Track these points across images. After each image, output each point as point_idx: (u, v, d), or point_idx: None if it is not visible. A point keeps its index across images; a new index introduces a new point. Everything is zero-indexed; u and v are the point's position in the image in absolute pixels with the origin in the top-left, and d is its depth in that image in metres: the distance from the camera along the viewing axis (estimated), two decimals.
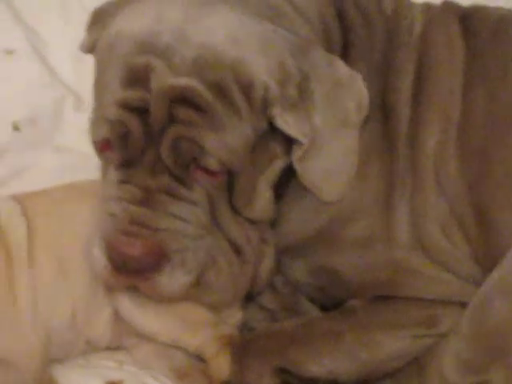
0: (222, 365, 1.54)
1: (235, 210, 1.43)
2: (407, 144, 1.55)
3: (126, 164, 1.39)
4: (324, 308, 1.65)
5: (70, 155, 2.01)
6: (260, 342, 1.55)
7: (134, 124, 1.35)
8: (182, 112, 1.34)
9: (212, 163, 1.36)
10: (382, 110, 1.56)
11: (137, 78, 1.35)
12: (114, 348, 1.69)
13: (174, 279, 1.40)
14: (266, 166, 1.44)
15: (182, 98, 1.33)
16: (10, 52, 2.09)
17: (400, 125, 1.55)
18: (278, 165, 1.46)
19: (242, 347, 1.54)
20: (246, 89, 1.36)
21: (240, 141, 1.37)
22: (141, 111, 1.35)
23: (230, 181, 1.39)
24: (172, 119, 1.34)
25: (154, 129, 1.36)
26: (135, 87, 1.35)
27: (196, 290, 1.45)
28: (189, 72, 1.34)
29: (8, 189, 1.85)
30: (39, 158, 1.99)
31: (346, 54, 1.55)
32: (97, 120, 1.42)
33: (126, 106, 1.35)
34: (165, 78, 1.33)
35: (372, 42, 1.60)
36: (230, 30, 1.37)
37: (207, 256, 1.42)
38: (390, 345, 1.54)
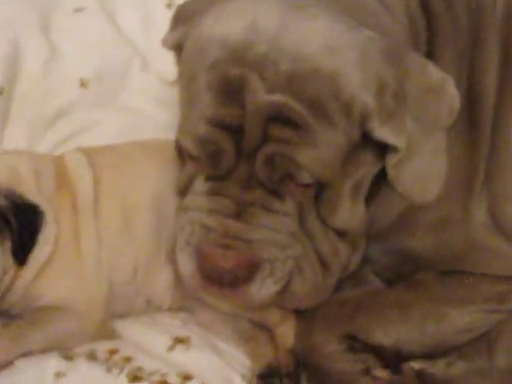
0: (287, 332, 1.55)
1: (323, 221, 1.41)
2: (491, 128, 1.54)
3: (217, 177, 1.38)
4: (388, 282, 1.63)
5: (134, 115, 2.00)
6: (327, 309, 1.54)
7: (227, 143, 1.34)
8: (278, 130, 1.32)
9: (306, 177, 1.35)
10: (468, 94, 1.54)
11: (230, 92, 1.32)
12: (176, 309, 1.69)
13: (263, 289, 1.40)
14: (354, 174, 1.41)
15: (278, 115, 1.31)
16: (79, 10, 2.10)
17: (485, 109, 1.54)
18: (369, 173, 1.44)
19: (308, 314, 1.54)
20: (345, 105, 1.32)
21: (334, 154, 1.35)
22: (234, 129, 1.33)
23: (318, 191, 1.38)
24: (266, 136, 1.32)
25: (248, 147, 1.34)
26: (229, 104, 1.32)
27: (280, 297, 1.44)
28: (284, 87, 1.30)
29: (74, 145, 1.84)
30: (105, 116, 1.98)
31: (431, 42, 1.54)
32: (185, 132, 1.40)
33: (218, 124, 1.33)
34: (259, 94, 1.30)
35: (456, 27, 1.57)
36: (327, 39, 1.33)
37: (295, 265, 1.41)
38: (459, 318, 1.52)
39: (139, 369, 1.51)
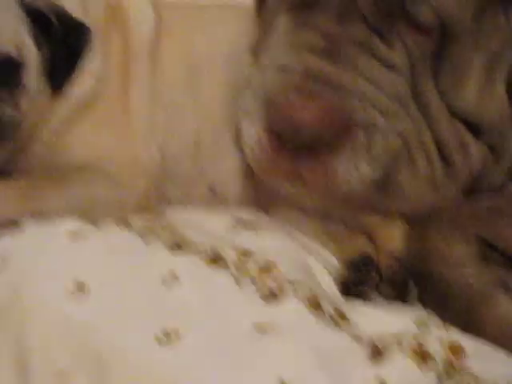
0: (391, 234, 1.26)
1: (444, 97, 1.14)
2: None
3: (304, 4, 1.14)
4: None
5: None
6: (453, 209, 1.23)
7: None
8: None
9: (426, 12, 1.09)
10: None
11: None
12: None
13: (354, 167, 1.11)
14: (489, 40, 1.15)
15: None
16: None
17: None
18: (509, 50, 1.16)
19: (426, 215, 1.23)
20: None
21: None
22: None
23: (439, 46, 1.12)
24: None
25: None
26: None
27: (381, 194, 1.16)
28: None
29: None
30: None
31: None
32: None
33: None
34: None
35: None
36: None
37: (402, 146, 1.13)
38: None
39: (184, 239, 1.19)
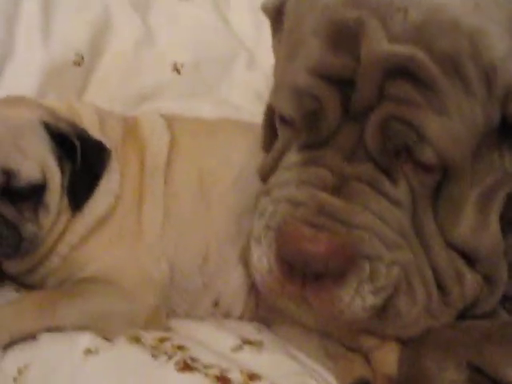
0: (386, 357, 1.27)
1: (441, 231, 1.18)
2: None
3: (314, 144, 1.18)
4: None
5: (232, 110, 1.82)
6: (446, 334, 1.25)
7: (331, 99, 1.14)
8: (398, 87, 1.11)
9: (429, 154, 1.12)
10: None
11: (342, 37, 1.13)
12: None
13: (359, 297, 1.14)
14: (485, 177, 1.19)
15: (400, 70, 1.10)
16: None
17: None
18: (502, 184, 1.20)
19: (419, 337, 1.25)
20: (486, 71, 1.11)
21: (468, 131, 1.12)
22: (342, 82, 1.13)
23: (439, 183, 1.16)
24: (383, 95, 1.11)
25: (358, 106, 1.13)
26: (339, 51, 1.13)
27: (379, 318, 1.19)
28: (412, 38, 1.10)
29: None
30: (197, 106, 1.80)
31: None
32: (281, 88, 1.20)
33: (323, 75, 1.13)
34: (379, 42, 1.10)
35: None
36: None
37: (402, 276, 1.16)
38: None
39: (193, 359, 1.21)
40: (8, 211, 1.28)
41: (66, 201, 1.34)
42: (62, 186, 1.34)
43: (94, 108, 1.48)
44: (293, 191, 1.16)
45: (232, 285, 1.41)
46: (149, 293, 1.34)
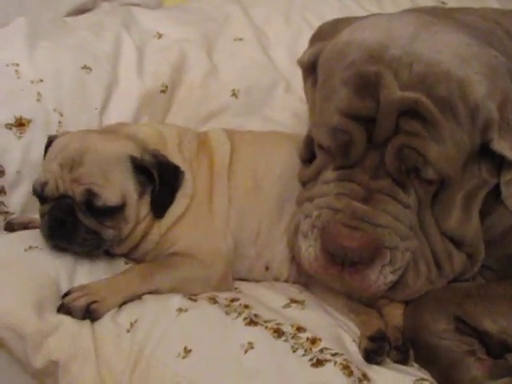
0: (394, 311, 1.27)
1: (437, 223, 1.20)
2: None
3: (347, 165, 1.19)
4: None
5: (275, 126, 1.75)
6: (437, 293, 1.26)
7: (359, 133, 1.16)
8: (408, 123, 1.13)
9: (431, 173, 1.14)
10: None
11: (366, 87, 1.15)
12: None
13: (382, 276, 1.18)
14: (468, 182, 1.20)
15: (410, 110, 1.12)
16: (239, 39, 1.92)
17: None
18: (482, 187, 1.22)
19: (418, 297, 1.26)
20: (471, 109, 1.13)
21: (458, 153, 1.15)
22: (366, 121, 1.14)
23: (436, 191, 1.19)
24: (397, 129, 1.13)
25: (379, 138, 1.15)
26: (363, 97, 1.15)
27: (393, 288, 1.21)
28: (416, 86, 1.13)
29: None
30: (250, 122, 1.75)
31: None
32: (319, 125, 1.21)
33: (352, 116, 1.15)
34: (393, 90, 1.13)
35: None
36: (457, 49, 1.16)
37: (411, 258, 1.19)
38: None
39: (256, 316, 1.22)
40: (89, 221, 1.27)
41: (147, 209, 1.34)
42: (139, 203, 1.32)
43: (176, 128, 1.47)
44: (332, 201, 1.18)
45: (278, 254, 1.40)
46: (219, 262, 1.34)
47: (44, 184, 1.27)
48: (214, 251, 1.33)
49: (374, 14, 1.38)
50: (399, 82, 1.13)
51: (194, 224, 1.36)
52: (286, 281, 1.41)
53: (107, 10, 1.92)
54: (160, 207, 1.33)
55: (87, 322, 1.19)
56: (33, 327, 1.17)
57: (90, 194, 1.25)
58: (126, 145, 1.32)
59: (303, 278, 1.38)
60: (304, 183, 1.32)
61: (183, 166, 1.37)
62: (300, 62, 1.38)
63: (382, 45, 1.16)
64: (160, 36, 1.83)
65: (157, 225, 1.35)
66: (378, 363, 1.15)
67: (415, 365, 1.21)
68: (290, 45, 1.93)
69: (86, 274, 1.29)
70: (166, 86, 1.73)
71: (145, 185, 1.32)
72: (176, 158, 1.38)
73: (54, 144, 1.33)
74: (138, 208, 1.31)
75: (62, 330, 1.18)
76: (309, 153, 1.31)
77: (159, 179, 1.31)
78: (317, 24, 1.88)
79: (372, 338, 1.18)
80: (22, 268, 1.26)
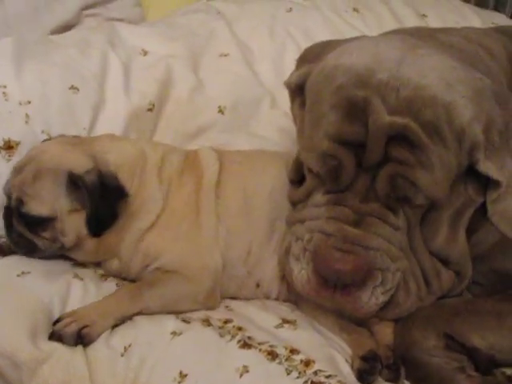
0: (385, 329, 1.29)
1: (425, 242, 1.23)
2: None
3: (338, 189, 1.20)
4: None
5: (261, 141, 1.77)
6: (426, 310, 1.28)
7: (348, 158, 1.17)
8: (397, 150, 1.14)
9: (421, 199, 1.17)
10: None
11: (354, 112, 1.16)
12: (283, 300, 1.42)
13: (374, 297, 1.20)
14: (455, 201, 1.22)
15: (398, 135, 1.13)
16: (224, 55, 1.93)
17: None
18: (469, 206, 1.24)
19: (408, 315, 1.28)
20: (458, 132, 1.15)
21: (446, 176, 1.16)
22: (356, 146, 1.15)
23: (424, 211, 1.20)
24: (386, 155, 1.14)
25: (368, 162, 1.17)
26: (352, 122, 1.16)
27: (384, 308, 1.23)
28: (404, 110, 1.14)
29: None
30: (236, 138, 1.77)
31: None
32: (308, 150, 1.22)
33: (342, 141, 1.16)
34: (382, 115, 1.14)
35: None
36: (442, 73, 1.17)
37: (401, 278, 1.21)
38: None
39: (250, 338, 1.23)
40: (21, 228, 1.31)
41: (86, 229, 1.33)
42: (76, 217, 1.32)
43: (162, 148, 1.48)
44: (323, 224, 1.20)
45: (269, 272, 1.40)
46: (206, 278, 1.34)
47: (7, 181, 1.34)
48: (201, 267, 1.34)
49: (360, 37, 1.39)
50: (387, 106, 1.14)
51: (176, 238, 1.36)
52: (277, 298, 1.42)
53: (91, 27, 1.93)
54: (92, 225, 1.31)
55: (80, 348, 1.20)
56: (27, 355, 1.18)
57: (20, 202, 1.28)
58: (74, 160, 1.32)
59: (293, 296, 1.39)
60: (294, 203, 1.33)
61: (157, 185, 1.39)
62: (287, 84, 1.39)
63: (369, 69, 1.17)
64: (145, 53, 1.83)
65: (123, 237, 1.36)
66: (371, 383, 1.17)
67: (406, 382, 1.23)
68: (274, 59, 1.95)
69: (79, 299, 1.30)
70: (153, 105, 1.73)
71: (83, 201, 1.30)
72: (151, 178, 1.39)
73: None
74: (76, 222, 1.31)
75: (55, 356, 1.18)
76: (298, 174, 1.32)
77: (98, 198, 1.29)
78: (301, 38, 1.94)
79: (364, 358, 1.20)
80: (15, 294, 1.27)
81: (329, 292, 1.19)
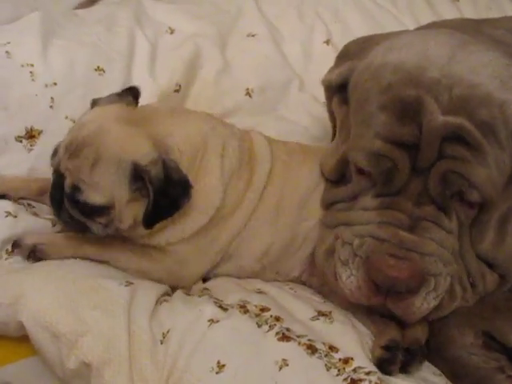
0: (416, 322, 1.27)
1: (473, 246, 1.23)
2: None
3: (388, 193, 1.20)
4: None
5: (289, 124, 1.78)
6: (465, 307, 1.28)
7: (403, 160, 1.16)
8: (452, 148, 1.14)
9: (475, 196, 1.16)
10: None
11: (406, 112, 1.15)
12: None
13: (426, 302, 1.19)
14: (502, 204, 1.23)
15: (453, 135, 1.13)
16: (252, 35, 1.91)
17: None
18: None
19: None
20: None
21: (501, 176, 1.17)
22: (409, 147, 1.14)
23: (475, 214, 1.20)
24: (441, 154, 1.14)
25: (422, 164, 1.16)
26: (405, 123, 1.15)
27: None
28: (458, 110, 1.14)
29: None
30: (264, 121, 1.76)
31: None
32: (358, 149, 1.21)
33: (395, 142, 1.15)
34: (435, 115, 1.13)
35: None
36: (495, 70, 1.16)
37: (449, 282, 1.21)
38: None
39: (288, 330, 1.23)
40: (74, 212, 1.27)
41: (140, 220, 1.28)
42: (135, 205, 1.27)
43: (221, 130, 1.40)
44: (375, 229, 1.19)
45: (289, 265, 1.42)
46: (189, 281, 1.38)
47: (55, 153, 1.28)
48: (193, 275, 1.37)
49: (404, 32, 1.38)
50: (440, 105, 1.14)
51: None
52: (298, 278, 1.43)
53: (117, 1, 1.89)
54: (150, 219, 1.26)
55: (123, 325, 1.19)
56: (67, 326, 1.17)
57: (76, 189, 1.23)
58: (138, 148, 1.23)
59: (315, 280, 1.40)
60: (331, 203, 1.32)
61: (219, 181, 1.34)
62: (326, 82, 1.38)
63: (419, 67, 1.16)
64: (172, 31, 1.82)
65: (169, 233, 1.33)
66: (391, 372, 1.17)
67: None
68: (302, 41, 1.94)
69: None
70: (180, 86, 1.73)
71: (144, 193, 1.25)
72: (213, 167, 1.34)
73: (84, 114, 1.30)
74: (134, 210, 1.26)
75: (96, 330, 1.18)
76: (340, 174, 1.32)
77: (161, 192, 1.23)
78: (330, 19, 1.93)
79: (385, 347, 1.20)
80: (55, 267, 1.29)
81: (381, 298, 1.19)
